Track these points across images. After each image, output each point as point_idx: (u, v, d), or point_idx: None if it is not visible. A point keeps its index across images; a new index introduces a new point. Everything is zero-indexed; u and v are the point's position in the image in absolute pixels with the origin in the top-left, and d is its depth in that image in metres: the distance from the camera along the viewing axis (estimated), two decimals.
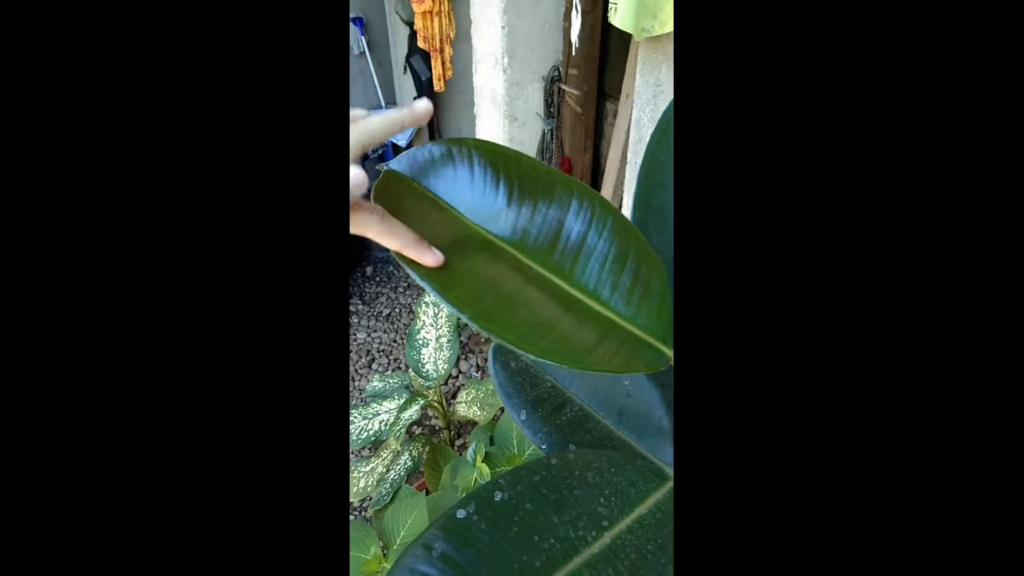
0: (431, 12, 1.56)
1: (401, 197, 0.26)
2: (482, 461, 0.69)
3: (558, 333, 0.24)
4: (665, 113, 0.32)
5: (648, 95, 0.79)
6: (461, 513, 0.22)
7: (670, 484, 0.27)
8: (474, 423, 1.00)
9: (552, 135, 1.37)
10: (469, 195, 0.26)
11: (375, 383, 1.03)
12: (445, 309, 0.99)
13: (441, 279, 0.23)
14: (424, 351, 0.95)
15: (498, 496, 0.24)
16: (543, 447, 0.33)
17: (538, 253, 0.26)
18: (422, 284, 0.23)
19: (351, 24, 2.31)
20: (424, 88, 1.85)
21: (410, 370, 0.99)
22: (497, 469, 0.68)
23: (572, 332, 0.24)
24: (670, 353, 0.26)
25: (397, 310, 1.83)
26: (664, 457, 0.34)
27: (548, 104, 1.33)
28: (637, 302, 0.25)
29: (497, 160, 0.27)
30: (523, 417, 0.34)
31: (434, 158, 0.27)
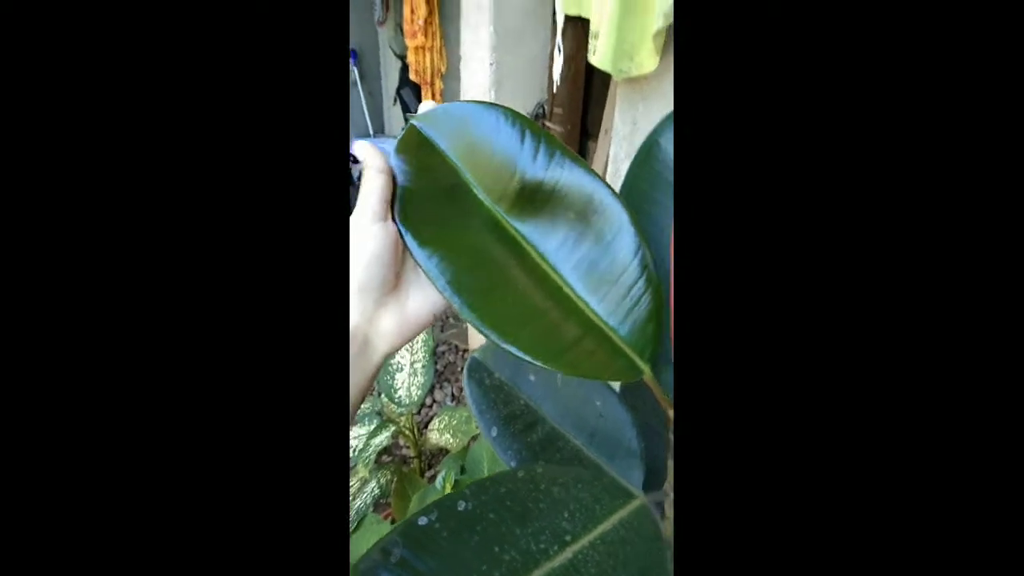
0: (423, 47, 1.61)
1: (420, 161, 0.26)
2: (452, 488, 0.67)
3: (541, 324, 0.24)
4: (643, 145, 0.34)
5: (625, 131, 0.82)
6: (423, 520, 0.21)
7: (636, 503, 0.27)
8: (446, 452, 0.98)
9: None
10: (489, 164, 0.27)
11: None
12: (422, 334, 0.98)
13: (442, 250, 0.24)
14: (398, 376, 0.94)
15: (461, 505, 0.23)
16: (512, 464, 0.33)
17: (540, 236, 0.26)
18: (415, 255, 0.23)
19: None
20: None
21: (382, 395, 0.97)
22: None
23: (555, 325, 0.24)
24: (644, 368, 0.26)
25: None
26: (633, 480, 0.34)
27: None
28: (625, 311, 0.26)
29: (527, 123, 0.27)
30: (494, 434, 0.34)
31: (464, 115, 0.27)
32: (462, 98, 1.37)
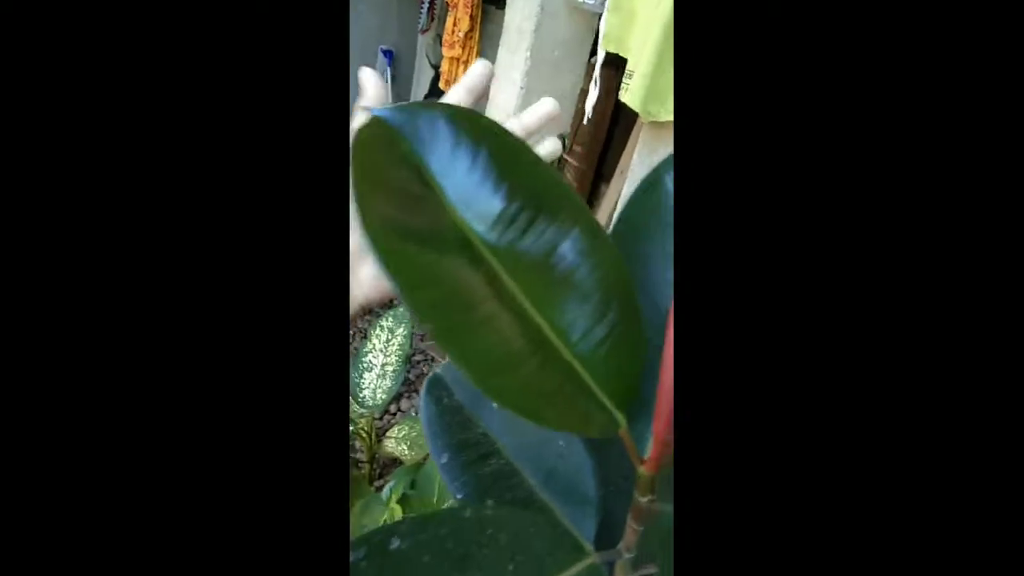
0: (459, 59, 1.63)
1: (380, 155, 0.21)
2: (398, 502, 0.64)
3: (521, 372, 0.21)
4: (646, 178, 0.32)
5: (641, 173, 0.82)
6: (350, 558, 0.19)
7: (588, 561, 0.25)
8: (400, 463, 0.94)
9: None
10: (463, 181, 0.22)
11: None
12: (399, 338, 0.95)
13: (408, 274, 0.19)
14: (366, 375, 0.91)
15: (394, 543, 0.21)
16: (458, 496, 0.30)
17: (520, 270, 0.22)
18: (382, 269, 0.18)
19: (380, 55, 2.40)
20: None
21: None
22: (411, 515, 0.63)
23: (534, 375, 0.21)
24: (621, 420, 0.23)
25: (351, 332, 1.77)
26: (585, 531, 0.32)
27: (559, 162, 1.38)
28: (604, 355, 0.23)
29: (506, 156, 0.22)
30: (444, 460, 0.32)
31: (436, 130, 0.22)
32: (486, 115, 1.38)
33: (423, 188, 0.21)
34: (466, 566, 0.21)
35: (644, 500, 0.24)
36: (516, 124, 0.31)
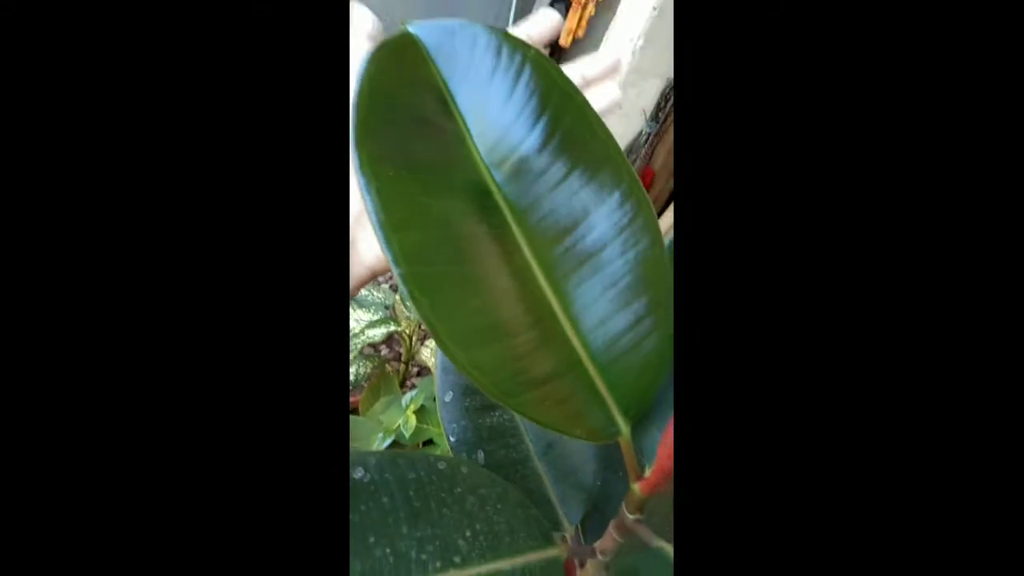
0: (578, 2, 1.46)
1: (398, 74, 0.17)
2: (415, 411, 0.66)
3: (506, 347, 0.17)
4: None
5: None
6: None
7: (552, 552, 0.24)
8: (429, 373, 0.98)
9: (647, 140, 1.29)
10: (494, 116, 0.19)
11: (363, 291, 1.01)
12: None
13: (396, 210, 0.16)
14: None
15: (359, 474, 0.20)
16: (451, 439, 0.29)
17: (538, 231, 0.18)
18: (367, 201, 0.15)
19: None
20: (555, 38, 1.76)
21: (399, 294, 0.96)
22: (424, 426, 0.66)
23: (525, 353, 0.18)
24: (623, 427, 0.20)
25: None
26: (571, 514, 0.30)
27: (659, 108, 1.25)
28: (619, 352, 0.19)
29: (551, 95, 0.19)
30: (447, 399, 0.31)
31: (476, 46, 0.18)
32: (607, 36, 1.24)
33: (444, 117, 0.18)
34: (419, 520, 0.20)
35: (631, 518, 0.21)
36: (576, 74, 0.26)
